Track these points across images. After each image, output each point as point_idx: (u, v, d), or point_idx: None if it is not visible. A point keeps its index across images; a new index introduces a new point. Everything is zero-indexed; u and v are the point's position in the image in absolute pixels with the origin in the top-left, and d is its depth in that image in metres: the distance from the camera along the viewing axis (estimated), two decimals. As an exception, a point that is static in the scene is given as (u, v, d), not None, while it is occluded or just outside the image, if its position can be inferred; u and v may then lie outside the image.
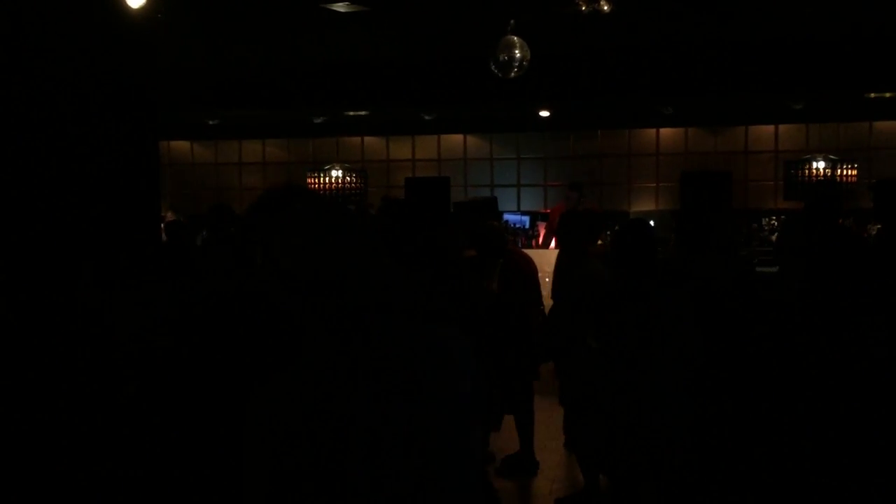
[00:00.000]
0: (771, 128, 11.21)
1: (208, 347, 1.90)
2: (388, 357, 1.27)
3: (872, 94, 9.60)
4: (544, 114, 10.85)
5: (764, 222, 10.58)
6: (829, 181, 9.86)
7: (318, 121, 11.41)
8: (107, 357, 2.66)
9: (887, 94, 9.57)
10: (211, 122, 11.68)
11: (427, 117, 11.29)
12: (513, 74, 5.95)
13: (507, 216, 10.41)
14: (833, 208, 4.97)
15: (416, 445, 1.25)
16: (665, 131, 11.55)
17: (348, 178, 12.29)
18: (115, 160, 5.48)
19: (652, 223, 9.87)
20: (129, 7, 4.84)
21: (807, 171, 10.42)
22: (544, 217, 10.16)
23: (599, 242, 6.68)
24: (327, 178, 12.29)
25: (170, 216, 9.15)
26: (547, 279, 6.10)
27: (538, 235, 9.63)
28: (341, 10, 6.09)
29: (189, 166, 12.81)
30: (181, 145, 12.75)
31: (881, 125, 10.86)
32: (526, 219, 10.86)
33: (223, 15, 6.53)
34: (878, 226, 5.90)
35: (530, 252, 6.43)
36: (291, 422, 1.27)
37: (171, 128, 11.48)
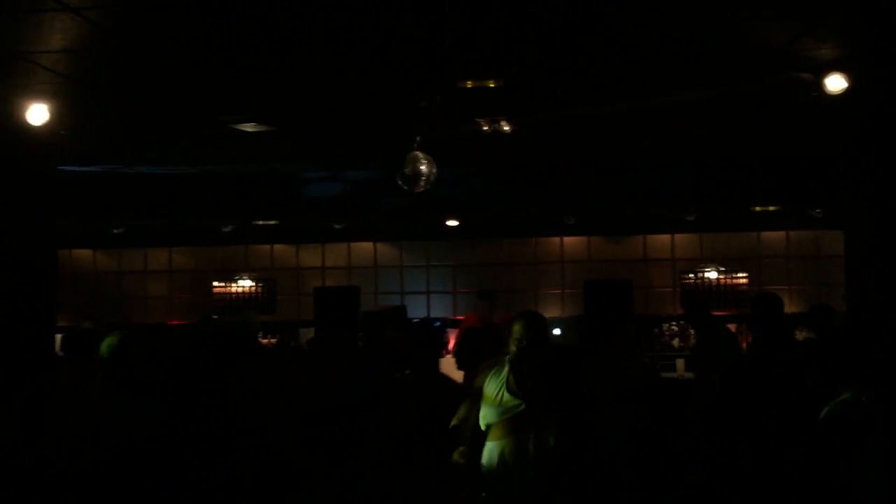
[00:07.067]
0: (667, 237, 11.75)
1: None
2: None
3: (758, 208, 10.26)
4: (452, 223, 11.10)
5: (665, 327, 10.93)
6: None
7: (226, 229, 11.34)
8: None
9: (771, 208, 10.24)
10: (115, 231, 11.47)
11: (337, 226, 11.38)
12: (419, 188, 6.09)
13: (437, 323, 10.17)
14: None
15: None
16: (569, 240, 11.95)
17: (257, 286, 12.16)
18: (11, 268, 5.34)
19: (558, 330, 10.05)
20: (31, 124, 4.88)
21: (700, 279, 10.92)
22: (455, 323, 10.18)
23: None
24: (236, 287, 12.13)
25: (87, 325, 9.00)
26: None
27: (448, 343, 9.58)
28: (249, 129, 6.19)
29: (91, 275, 12.46)
30: (83, 254, 12.43)
31: (767, 235, 11.57)
32: (438, 324, 10.87)
33: (128, 130, 6.55)
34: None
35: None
36: None
37: (73, 237, 11.21)
